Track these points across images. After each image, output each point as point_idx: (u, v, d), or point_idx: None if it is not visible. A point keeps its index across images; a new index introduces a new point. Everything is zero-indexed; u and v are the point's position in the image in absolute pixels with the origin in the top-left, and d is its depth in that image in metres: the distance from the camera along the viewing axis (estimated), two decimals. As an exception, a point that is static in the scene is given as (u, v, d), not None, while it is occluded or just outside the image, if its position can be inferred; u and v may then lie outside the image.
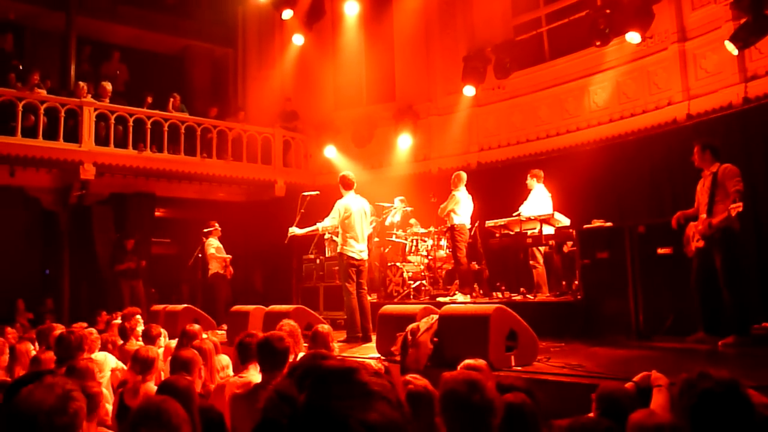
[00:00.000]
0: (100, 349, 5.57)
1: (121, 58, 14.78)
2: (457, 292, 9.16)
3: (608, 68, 10.70)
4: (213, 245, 11.54)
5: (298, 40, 13.67)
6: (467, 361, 3.74)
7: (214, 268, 11.31)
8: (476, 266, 9.92)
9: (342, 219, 7.62)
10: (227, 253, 11.19)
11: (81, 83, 12.40)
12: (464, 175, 9.48)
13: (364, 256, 7.74)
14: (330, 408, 0.93)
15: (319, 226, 7.93)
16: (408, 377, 3.17)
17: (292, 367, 1.04)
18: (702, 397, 2.44)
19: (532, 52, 12.03)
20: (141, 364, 4.18)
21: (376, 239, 10.80)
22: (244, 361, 4.28)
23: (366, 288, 7.85)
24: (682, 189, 8.39)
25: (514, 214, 8.89)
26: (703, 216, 6.21)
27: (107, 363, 5.18)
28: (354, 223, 7.63)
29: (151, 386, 4.11)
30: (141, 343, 5.81)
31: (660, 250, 6.69)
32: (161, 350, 5.88)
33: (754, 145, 8.50)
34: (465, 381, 2.60)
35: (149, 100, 13.23)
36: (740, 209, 5.83)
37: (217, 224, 11.69)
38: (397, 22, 14.04)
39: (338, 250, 7.76)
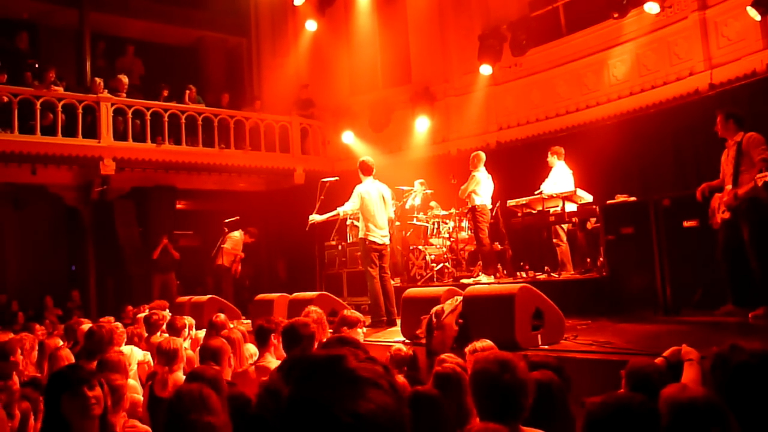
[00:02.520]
0: (126, 343, 5.62)
1: (136, 52, 14.82)
2: (480, 273, 9.12)
3: (627, 40, 10.52)
4: (233, 239, 11.79)
5: (311, 26, 13.60)
6: (474, 344, 3.72)
7: (223, 260, 11.57)
8: (499, 246, 9.85)
9: (362, 204, 7.62)
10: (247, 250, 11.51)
11: (97, 79, 12.45)
12: (483, 155, 9.39)
13: (386, 240, 7.75)
14: (315, 399, 0.90)
15: (340, 210, 7.95)
16: (443, 356, 3.16)
17: (281, 362, 1.02)
18: (737, 371, 2.39)
19: (548, 27, 11.85)
20: (165, 356, 4.23)
21: (397, 223, 10.76)
22: (262, 346, 4.32)
23: (389, 272, 7.86)
24: (707, 160, 8.23)
25: (536, 193, 8.80)
26: (729, 187, 6.08)
27: (134, 356, 5.23)
28: (374, 208, 7.63)
29: (180, 376, 4.15)
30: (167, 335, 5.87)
31: (686, 223, 6.59)
32: (188, 341, 5.94)
33: (779, 113, 8.31)
34: (496, 361, 2.57)
35: (165, 93, 13.28)
36: (767, 178, 5.71)
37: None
38: (410, 3, 13.91)
39: (360, 236, 7.77)
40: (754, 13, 8.14)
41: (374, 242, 7.61)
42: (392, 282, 8.05)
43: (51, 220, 14.39)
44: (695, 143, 9.11)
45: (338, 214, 8.13)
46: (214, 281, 13.16)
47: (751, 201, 5.91)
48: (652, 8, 9.48)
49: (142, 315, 7.51)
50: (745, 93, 8.71)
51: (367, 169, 7.81)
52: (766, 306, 5.80)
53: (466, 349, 3.74)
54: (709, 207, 6.32)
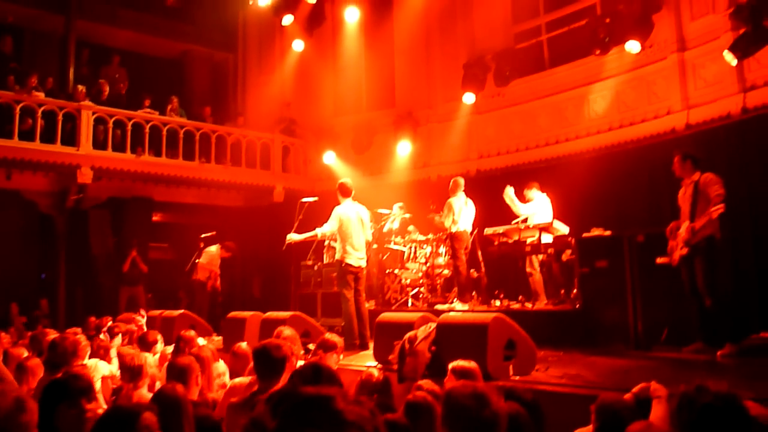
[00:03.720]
0: (91, 356, 5.49)
1: (121, 62, 14.75)
2: (455, 300, 9.13)
3: (608, 77, 10.68)
4: (209, 254, 11.71)
5: (298, 45, 13.67)
6: (459, 362, 3.71)
7: (199, 275, 11.50)
8: (475, 274, 9.88)
9: (340, 226, 7.62)
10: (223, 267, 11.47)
11: (79, 86, 12.37)
12: (462, 180, 9.40)
13: (363, 263, 7.74)
14: None
15: (318, 231, 7.95)
16: (420, 383, 3.13)
17: (270, 394, 1.03)
18: (702, 413, 2.42)
19: (532, 60, 12.02)
20: (129, 372, 4.17)
21: (375, 246, 10.76)
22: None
23: (364, 295, 7.86)
24: (681, 198, 8.38)
25: (515, 221, 8.87)
26: (687, 223, 6.24)
27: (98, 370, 5.10)
28: (352, 231, 7.64)
29: (144, 392, 4.08)
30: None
31: (659, 260, 6.67)
32: (157, 356, 5.85)
33: (752, 155, 8.48)
34: (473, 395, 2.49)
35: (147, 103, 13.21)
36: (722, 210, 5.91)
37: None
38: (397, 29, 14.04)
39: (337, 257, 7.76)
40: (730, 58, 8.32)
41: (350, 264, 7.60)
42: (366, 305, 8.04)
43: (23, 226, 14.14)
44: (670, 181, 9.19)
45: (316, 235, 8.13)
46: (187, 296, 13.04)
47: (708, 239, 6.07)
48: (633, 47, 9.68)
49: (105, 328, 7.39)
50: (721, 134, 8.89)
51: (346, 191, 7.83)
52: (732, 344, 5.89)
53: (450, 366, 3.73)
54: (668, 245, 6.45)
